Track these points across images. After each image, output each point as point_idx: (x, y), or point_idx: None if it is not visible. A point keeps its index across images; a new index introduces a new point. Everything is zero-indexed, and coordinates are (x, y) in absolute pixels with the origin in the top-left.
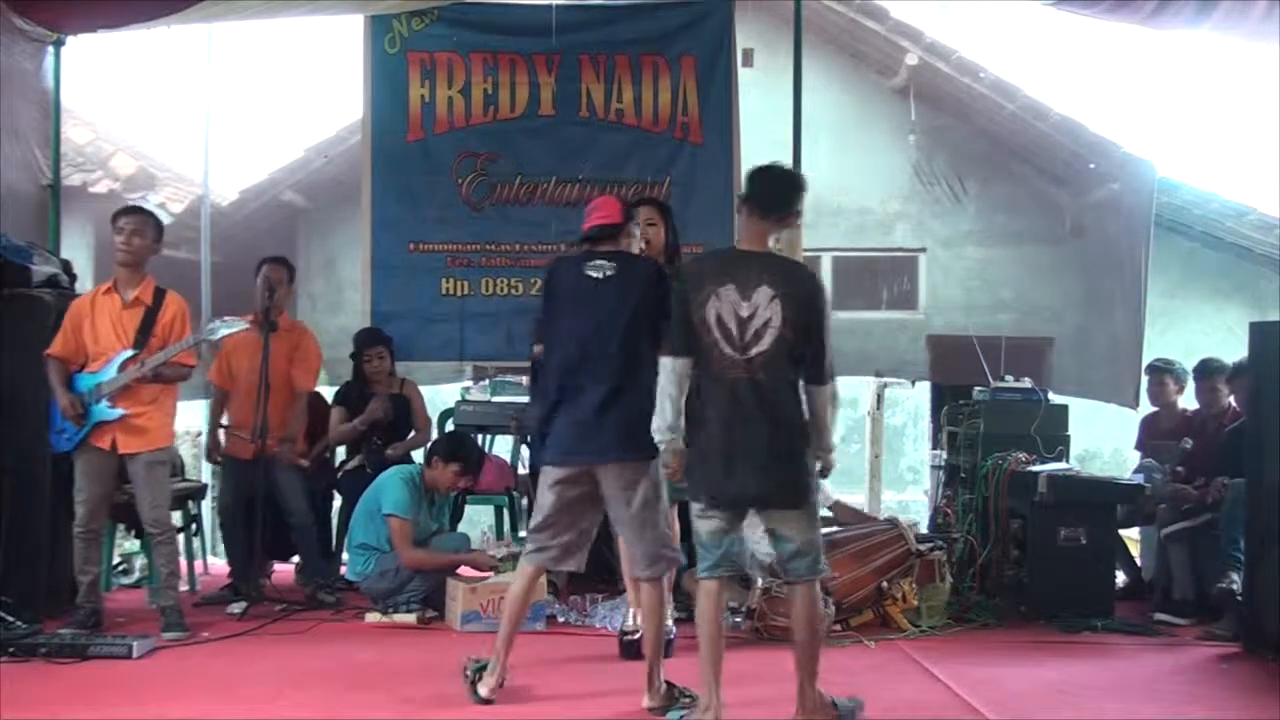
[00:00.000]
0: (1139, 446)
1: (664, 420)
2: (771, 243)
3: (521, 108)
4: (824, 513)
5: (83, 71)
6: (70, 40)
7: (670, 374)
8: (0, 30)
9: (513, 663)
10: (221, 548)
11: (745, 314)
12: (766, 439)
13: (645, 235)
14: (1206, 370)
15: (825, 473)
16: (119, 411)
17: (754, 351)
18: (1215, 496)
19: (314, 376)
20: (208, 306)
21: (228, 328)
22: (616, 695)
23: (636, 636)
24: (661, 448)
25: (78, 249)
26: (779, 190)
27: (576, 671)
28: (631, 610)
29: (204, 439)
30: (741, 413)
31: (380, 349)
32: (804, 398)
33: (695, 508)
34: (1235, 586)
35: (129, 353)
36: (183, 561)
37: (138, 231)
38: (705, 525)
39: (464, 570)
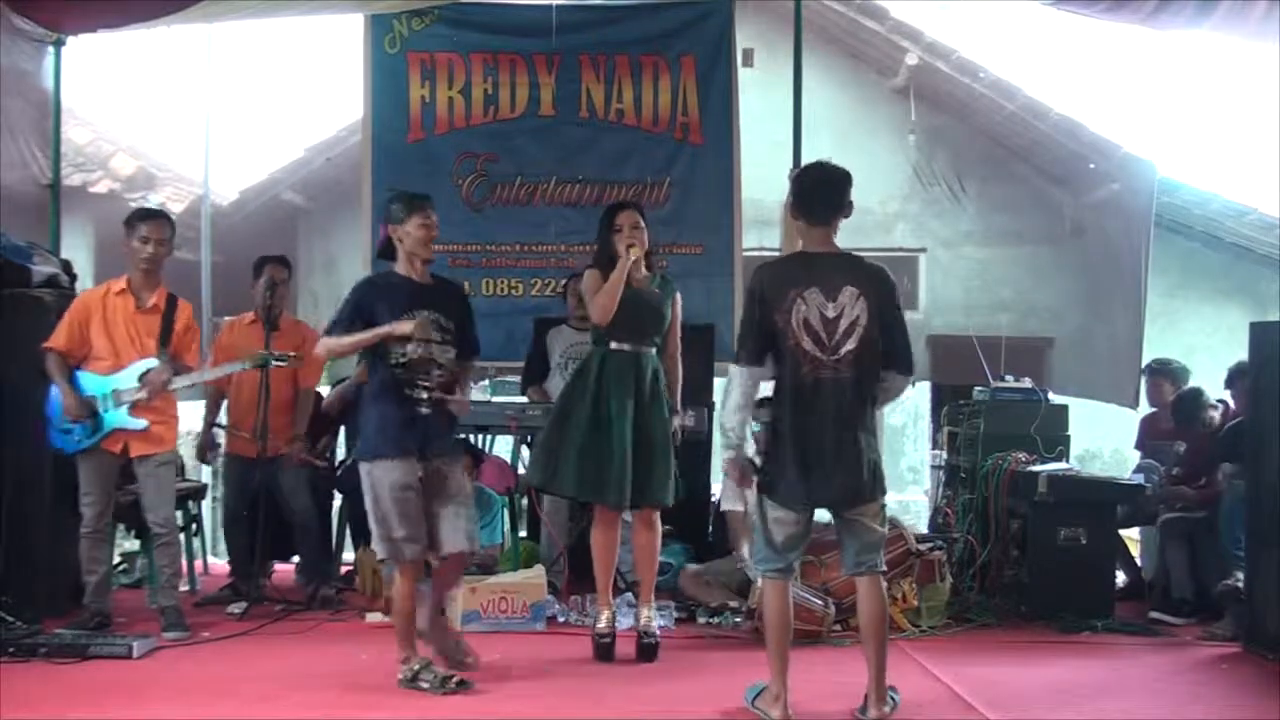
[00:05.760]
0: (1139, 446)
1: (733, 436)
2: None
3: (521, 108)
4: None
5: (83, 71)
6: (70, 40)
7: (746, 382)
8: (0, 30)
9: (513, 662)
10: (222, 547)
11: (832, 315)
12: (854, 437)
13: (634, 239)
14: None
15: None
16: (143, 423)
17: (843, 351)
18: (1222, 486)
19: (318, 374)
20: (208, 306)
21: (280, 361)
22: (617, 695)
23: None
24: (729, 459)
25: (78, 249)
26: (818, 196)
27: (576, 671)
28: (604, 612)
29: (217, 442)
30: (832, 413)
31: None
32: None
33: (775, 512)
34: (1240, 584)
35: (152, 362)
36: (183, 561)
37: (162, 240)
38: (783, 530)
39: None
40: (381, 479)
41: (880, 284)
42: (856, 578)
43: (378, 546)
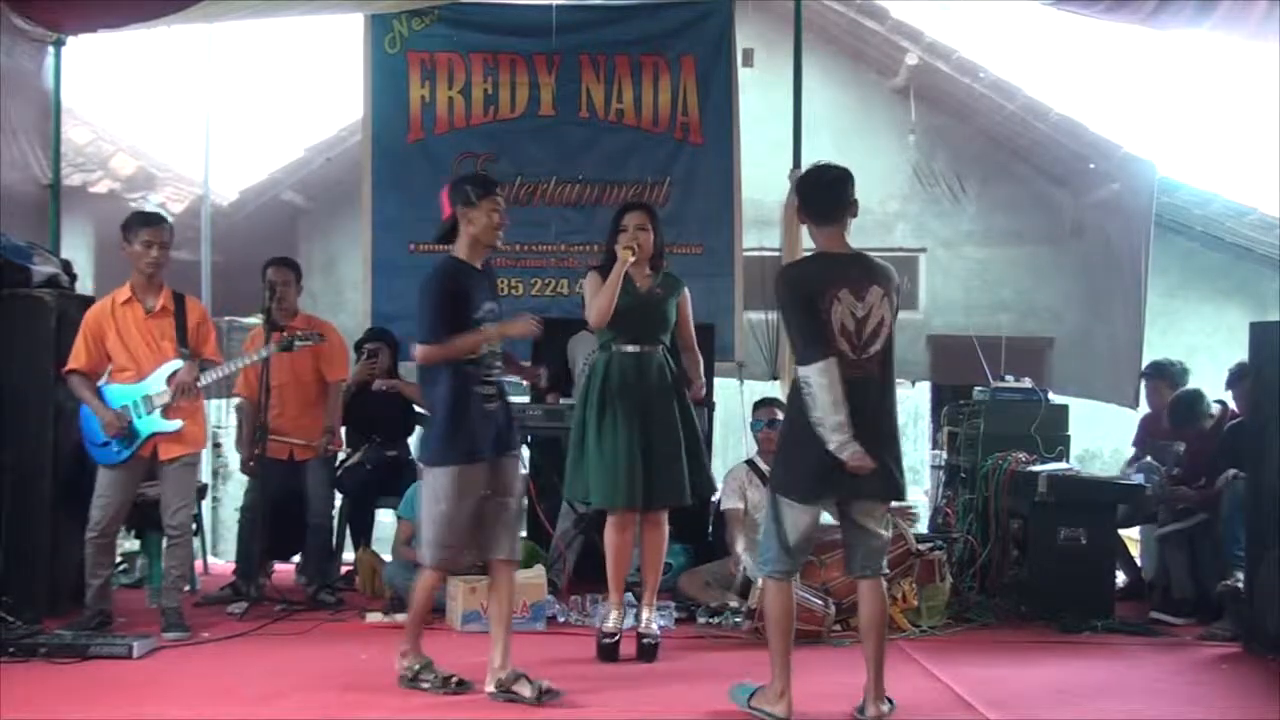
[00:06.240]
0: (1137, 443)
1: (846, 430)
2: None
3: (521, 108)
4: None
5: (83, 71)
6: (70, 40)
7: (830, 376)
8: (0, 30)
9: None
10: (221, 547)
11: (861, 314)
12: (880, 434)
13: (636, 239)
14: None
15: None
16: (178, 423)
17: (871, 350)
18: (1223, 486)
19: (343, 366)
20: (208, 307)
21: (304, 340)
22: (617, 695)
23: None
24: (853, 453)
25: (78, 249)
26: (823, 196)
27: (576, 671)
28: (613, 612)
29: (218, 441)
30: (862, 412)
31: (377, 344)
32: None
33: (792, 511)
34: (1240, 585)
35: (177, 363)
36: None
37: (165, 244)
38: (798, 530)
39: None
40: (449, 485)
41: (895, 284)
42: (859, 580)
43: (425, 549)
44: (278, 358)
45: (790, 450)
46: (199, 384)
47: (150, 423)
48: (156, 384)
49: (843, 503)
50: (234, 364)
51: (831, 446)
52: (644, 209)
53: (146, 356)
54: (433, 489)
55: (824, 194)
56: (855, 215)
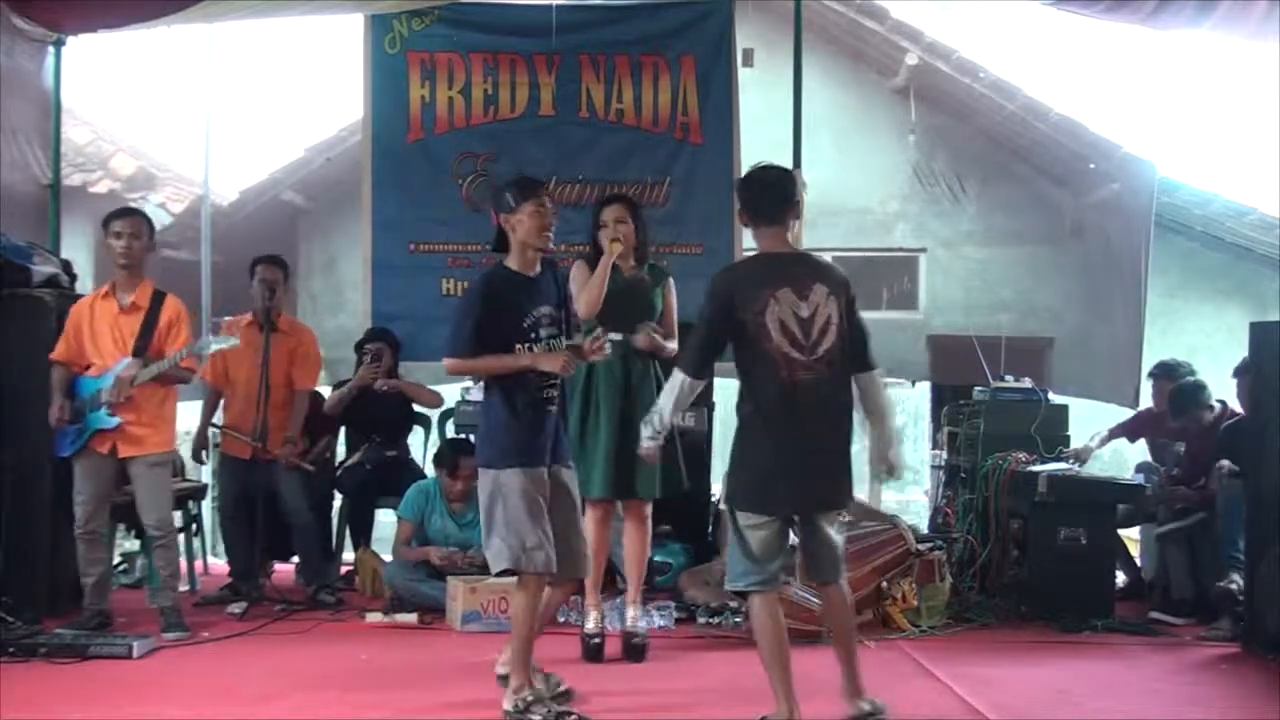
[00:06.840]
0: (1130, 432)
1: (659, 424)
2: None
3: (521, 108)
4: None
5: (83, 71)
6: (70, 40)
7: (685, 392)
8: (0, 30)
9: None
10: (222, 547)
11: (806, 314)
12: (833, 438)
13: (617, 233)
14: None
15: (893, 470)
16: (116, 420)
17: (821, 350)
18: (1216, 484)
19: (314, 376)
20: (208, 307)
21: (219, 343)
22: (616, 695)
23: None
24: (651, 448)
25: (78, 249)
26: (766, 196)
27: (576, 671)
28: (592, 613)
29: (217, 442)
30: (814, 414)
31: (378, 345)
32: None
33: (750, 520)
34: (1235, 586)
35: (127, 360)
36: (182, 562)
37: (136, 234)
38: (760, 538)
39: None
40: (513, 485)
41: (843, 283)
42: (822, 587)
43: (500, 556)
44: (255, 358)
45: (736, 461)
46: (135, 381)
47: (95, 418)
48: (108, 380)
49: (800, 511)
50: (166, 360)
51: (644, 432)
52: (621, 202)
53: (111, 352)
54: (494, 491)
55: (766, 194)
56: (799, 216)
